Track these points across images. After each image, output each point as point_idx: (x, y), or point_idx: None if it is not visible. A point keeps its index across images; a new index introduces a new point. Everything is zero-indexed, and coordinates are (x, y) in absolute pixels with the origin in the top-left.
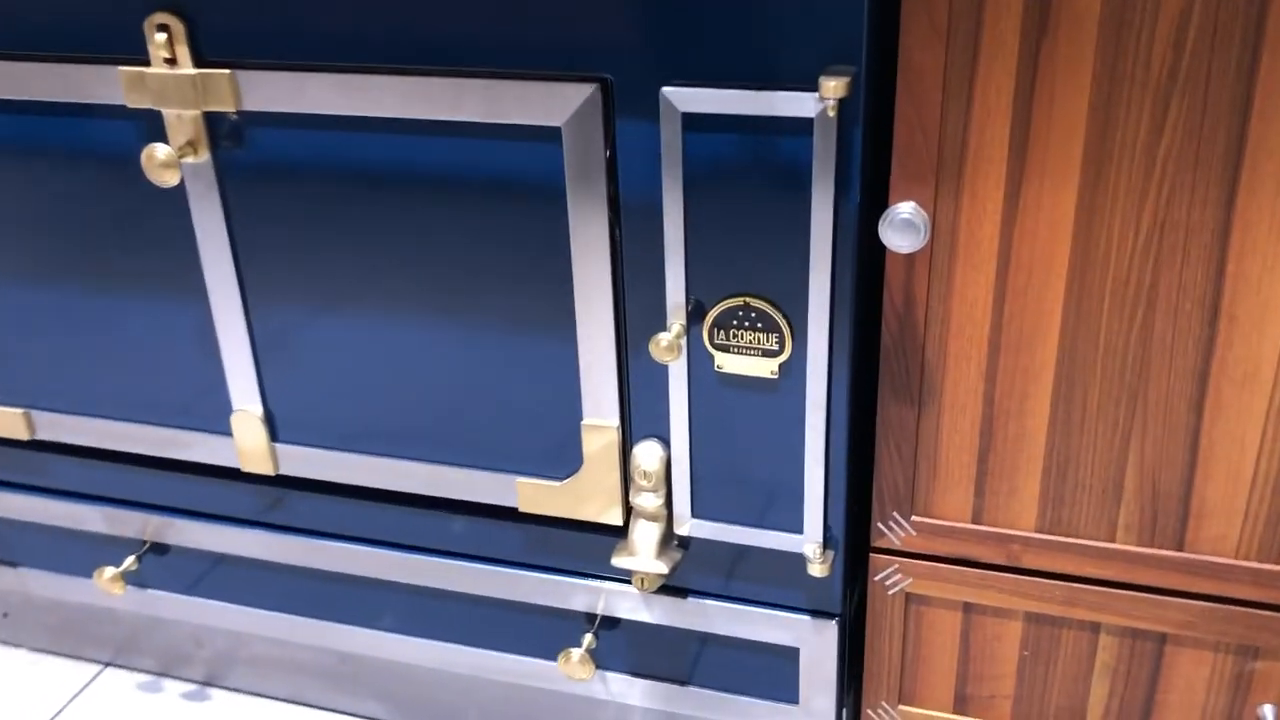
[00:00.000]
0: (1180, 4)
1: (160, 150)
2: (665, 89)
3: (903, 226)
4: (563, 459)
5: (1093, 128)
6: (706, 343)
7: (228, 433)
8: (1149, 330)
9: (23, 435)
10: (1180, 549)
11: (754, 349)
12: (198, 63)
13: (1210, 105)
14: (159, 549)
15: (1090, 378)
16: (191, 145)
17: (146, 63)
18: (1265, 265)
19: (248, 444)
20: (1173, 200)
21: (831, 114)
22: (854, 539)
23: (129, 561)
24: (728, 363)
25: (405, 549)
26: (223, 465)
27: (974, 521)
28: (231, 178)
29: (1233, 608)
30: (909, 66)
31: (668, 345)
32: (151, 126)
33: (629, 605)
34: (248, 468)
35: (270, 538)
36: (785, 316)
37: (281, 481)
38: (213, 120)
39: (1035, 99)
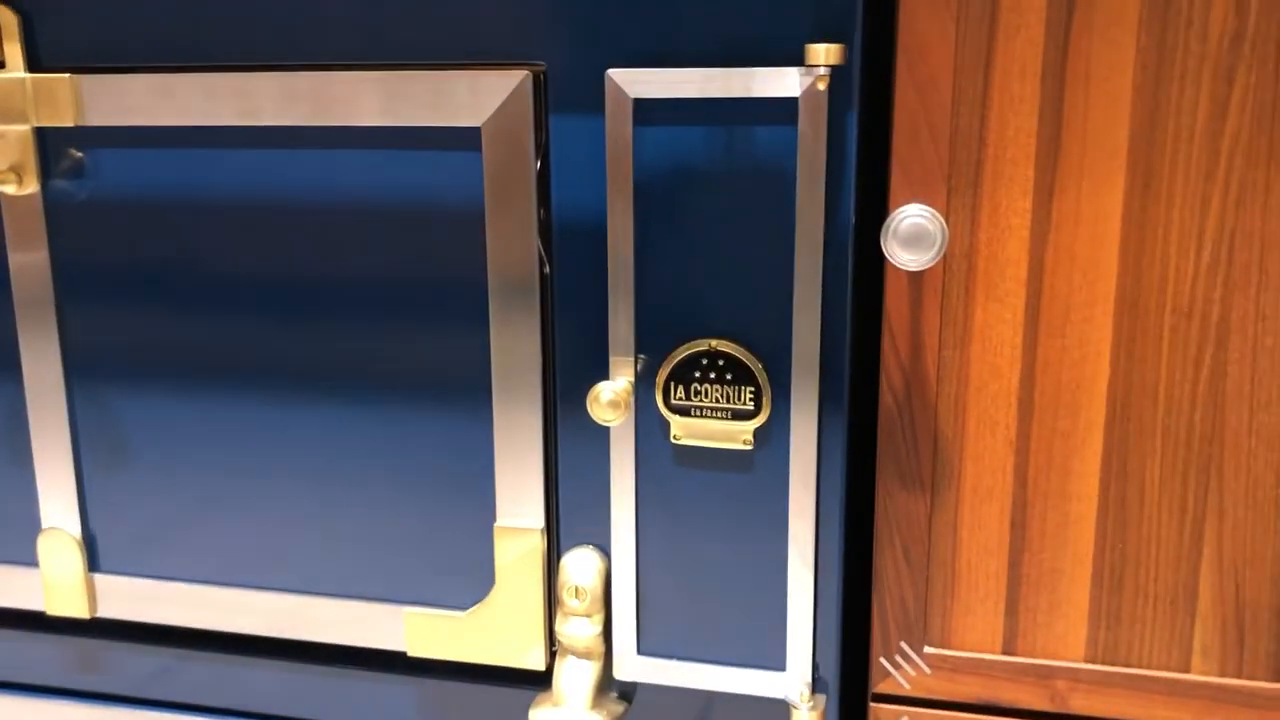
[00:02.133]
0: None
1: None
2: (611, 71)
3: (914, 234)
4: (468, 580)
5: (1139, 111)
6: (660, 404)
7: (32, 562)
8: (1221, 377)
9: None
10: (1278, 678)
11: (722, 410)
12: (32, 66)
13: None
14: None
15: (1149, 444)
16: (15, 172)
17: None
18: None
19: (58, 575)
20: (1243, 204)
21: (822, 88)
22: (851, 683)
23: None
24: (688, 430)
25: (258, 719)
26: (22, 609)
27: (1005, 651)
28: (61, 214)
29: None
30: (912, 42)
31: (612, 400)
32: None
33: None
34: (55, 610)
35: (81, 711)
36: (762, 364)
37: (99, 629)
38: (45, 139)
39: (1067, 80)
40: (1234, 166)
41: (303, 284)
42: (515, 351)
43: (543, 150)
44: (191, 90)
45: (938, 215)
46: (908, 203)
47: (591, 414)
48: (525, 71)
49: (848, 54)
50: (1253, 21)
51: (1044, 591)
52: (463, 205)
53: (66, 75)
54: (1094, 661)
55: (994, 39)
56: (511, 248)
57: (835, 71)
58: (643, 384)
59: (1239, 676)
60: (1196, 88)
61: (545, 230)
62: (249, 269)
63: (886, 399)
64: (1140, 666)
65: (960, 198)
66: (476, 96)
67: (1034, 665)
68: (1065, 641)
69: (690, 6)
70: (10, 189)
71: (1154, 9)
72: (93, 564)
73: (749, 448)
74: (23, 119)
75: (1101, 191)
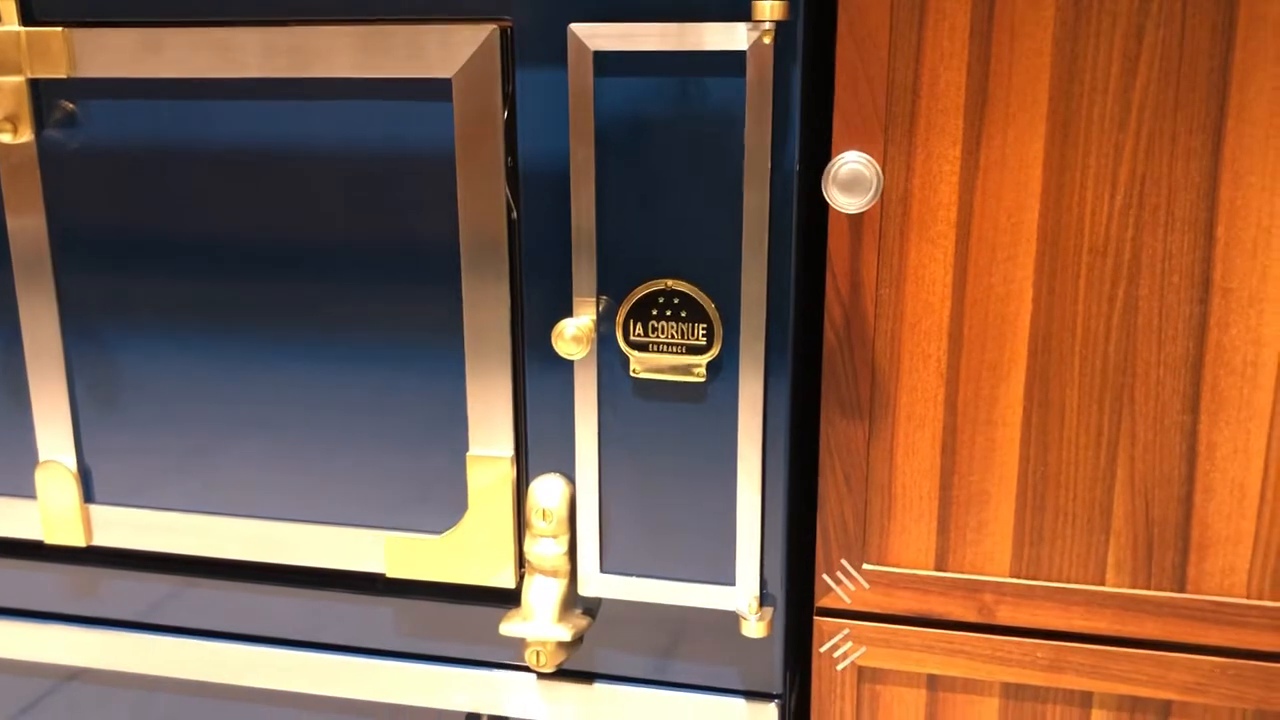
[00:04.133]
0: None
1: None
2: (574, 25)
3: (851, 179)
4: (442, 506)
5: (1058, 66)
6: (620, 340)
7: (29, 494)
8: (1133, 310)
9: None
10: (1182, 589)
11: (677, 345)
12: (26, 20)
13: (1189, 34)
14: None
15: (1068, 373)
16: (10, 121)
17: None
18: (1260, 226)
19: (55, 506)
20: (1152, 152)
21: (767, 41)
22: (796, 599)
23: None
24: (646, 364)
25: (247, 640)
26: (21, 539)
27: (938, 567)
28: (55, 163)
29: (1248, 662)
30: (851, 0)
31: (575, 334)
32: None
33: (523, 699)
34: (53, 539)
35: (78, 635)
36: (714, 301)
37: (94, 556)
38: (39, 91)
39: (994, 34)
40: (1144, 118)
41: (284, 230)
42: (485, 292)
43: (510, 101)
44: (178, 44)
45: (873, 162)
46: (848, 150)
47: (556, 349)
48: (493, 26)
49: (791, 10)
50: None
51: (972, 511)
52: (435, 153)
53: (59, 29)
54: (1018, 576)
55: None
56: (481, 194)
57: (780, 26)
58: (604, 322)
59: (1148, 588)
60: (1110, 44)
61: (513, 177)
62: (233, 215)
63: (829, 334)
64: (1060, 580)
65: (896, 145)
66: (447, 50)
67: (963, 580)
68: (992, 558)
69: None
70: (6, 138)
71: None
72: (88, 495)
73: (702, 380)
74: (17, 71)
75: (1024, 140)
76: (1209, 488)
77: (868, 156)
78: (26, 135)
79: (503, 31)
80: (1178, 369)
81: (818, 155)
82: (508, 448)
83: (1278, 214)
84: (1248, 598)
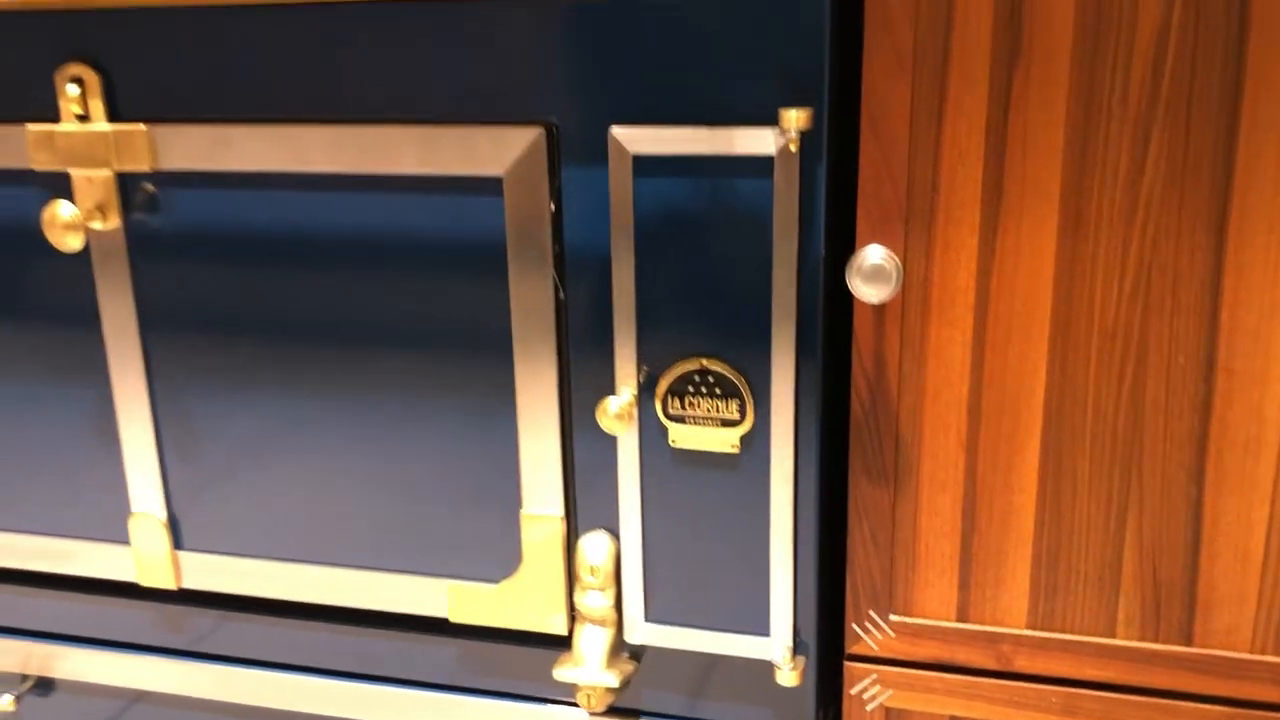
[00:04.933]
0: (1156, 24)
1: (65, 209)
2: (614, 129)
3: (873, 273)
4: (499, 558)
5: (1070, 164)
6: (660, 413)
7: (124, 540)
8: (1141, 389)
9: None
10: (1188, 643)
11: (712, 418)
12: (112, 118)
13: (1193, 136)
14: (44, 685)
15: (1080, 445)
16: (100, 210)
17: (56, 119)
18: (1262, 314)
19: (147, 552)
20: (1159, 243)
21: (793, 148)
22: (827, 645)
23: (6, 701)
24: (684, 436)
25: (324, 674)
26: (118, 580)
27: (959, 619)
28: (142, 247)
29: (1252, 712)
30: (873, 99)
31: (618, 412)
32: (57, 191)
33: None
34: (146, 581)
35: (171, 666)
36: (746, 380)
37: (184, 598)
38: (125, 182)
39: (1009, 133)
40: (1150, 213)
41: (351, 307)
42: (535, 366)
43: (556, 194)
44: (251, 139)
45: (894, 256)
46: (871, 239)
47: (600, 424)
48: (540, 129)
49: (815, 118)
50: (1166, 83)
51: (991, 569)
52: (489, 241)
53: (142, 126)
54: (1034, 628)
55: (944, 96)
56: (530, 278)
57: (805, 132)
58: (645, 393)
59: (1156, 641)
60: (1119, 145)
61: (560, 262)
62: (305, 292)
63: (855, 406)
64: (1073, 632)
65: (916, 235)
66: (499, 149)
67: (983, 631)
68: (1009, 611)
69: (680, 74)
70: (97, 224)
71: (1081, 78)
72: (177, 542)
73: (736, 451)
74: (106, 165)
75: (1038, 231)
76: (1214, 553)
77: (888, 251)
78: (115, 222)
79: (549, 132)
80: (1184, 444)
81: (844, 238)
82: (558, 507)
83: (1279, 302)
84: (1251, 653)
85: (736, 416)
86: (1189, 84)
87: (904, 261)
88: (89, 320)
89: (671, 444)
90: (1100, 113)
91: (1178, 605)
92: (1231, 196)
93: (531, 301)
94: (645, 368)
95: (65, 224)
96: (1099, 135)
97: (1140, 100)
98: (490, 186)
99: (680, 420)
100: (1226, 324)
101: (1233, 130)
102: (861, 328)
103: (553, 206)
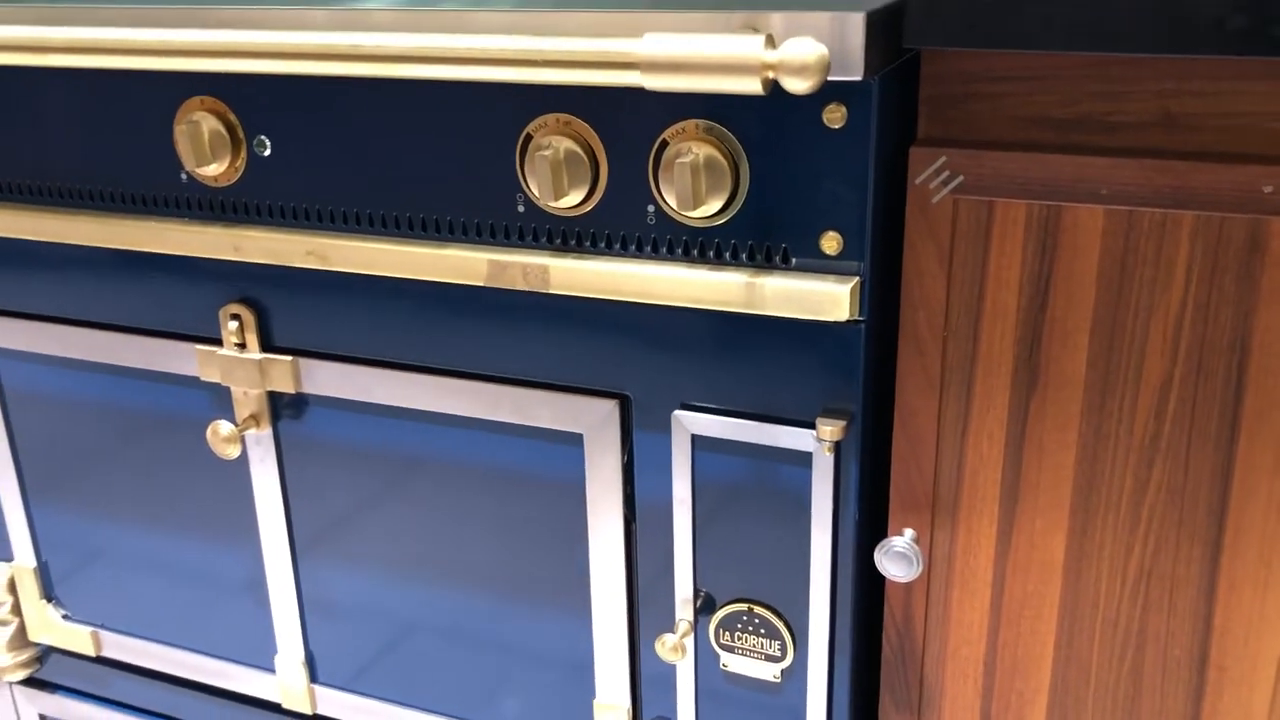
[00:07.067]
0: (1161, 377)
1: (224, 427)
2: (677, 412)
3: (898, 558)
4: None
5: (1080, 480)
6: (713, 641)
7: (272, 670)
8: (1139, 673)
9: (90, 651)
10: None
11: (757, 653)
12: (264, 348)
13: (1191, 472)
14: None
15: (1083, 708)
16: (254, 419)
17: (219, 344)
18: (1251, 623)
19: (290, 683)
20: (1159, 553)
21: (828, 454)
22: None
23: None
24: (733, 662)
25: None
26: (267, 700)
27: None
28: (289, 450)
29: None
30: (905, 411)
31: (673, 646)
32: (220, 397)
33: None
34: (289, 705)
35: None
36: (788, 625)
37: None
38: (275, 398)
39: (1025, 449)
40: (1152, 528)
41: (452, 525)
42: (609, 590)
43: (628, 451)
44: (375, 378)
45: (916, 546)
46: (902, 524)
47: (659, 655)
48: (615, 401)
49: (850, 425)
50: (1168, 427)
51: None
52: (571, 481)
53: (290, 358)
54: None
55: (969, 414)
56: (605, 518)
57: (840, 440)
58: (703, 615)
59: None
60: (1124, 467)
61: (629, 504)
62: (411, 505)
63: (886, 650)
64: None
65: (942, 523)
66: (581, 413)
67: None
68: None
69: (737, 374)
70: (251, 432)
71: (1092, 407)
72: (313, 677)
73: (778, 681)
74: (259, 385)
75: (1050, 531)
76: None
77: (911, 542)
78: (266, 429)
79: (623, 403)
80: None
81: (879, 508)
82: (626, 700)
83: (1268, 613)
84: None
85: (778, 654)
86: (1188, 427)
87: (930, 539)
88: (244, 495)
89: (723, 667)
90: (1108, 439)
91: None
92: (1226, 522)
93: (606, 531)
94: (704, 591)
95: (224, 438)
96: (1106, 456)
97: (1144, 434)
98: (574, 439)
99: (730, 650)
100: (1219, 627)
101: (1228, 469)
102: (893, 586)
103: (625, 459)
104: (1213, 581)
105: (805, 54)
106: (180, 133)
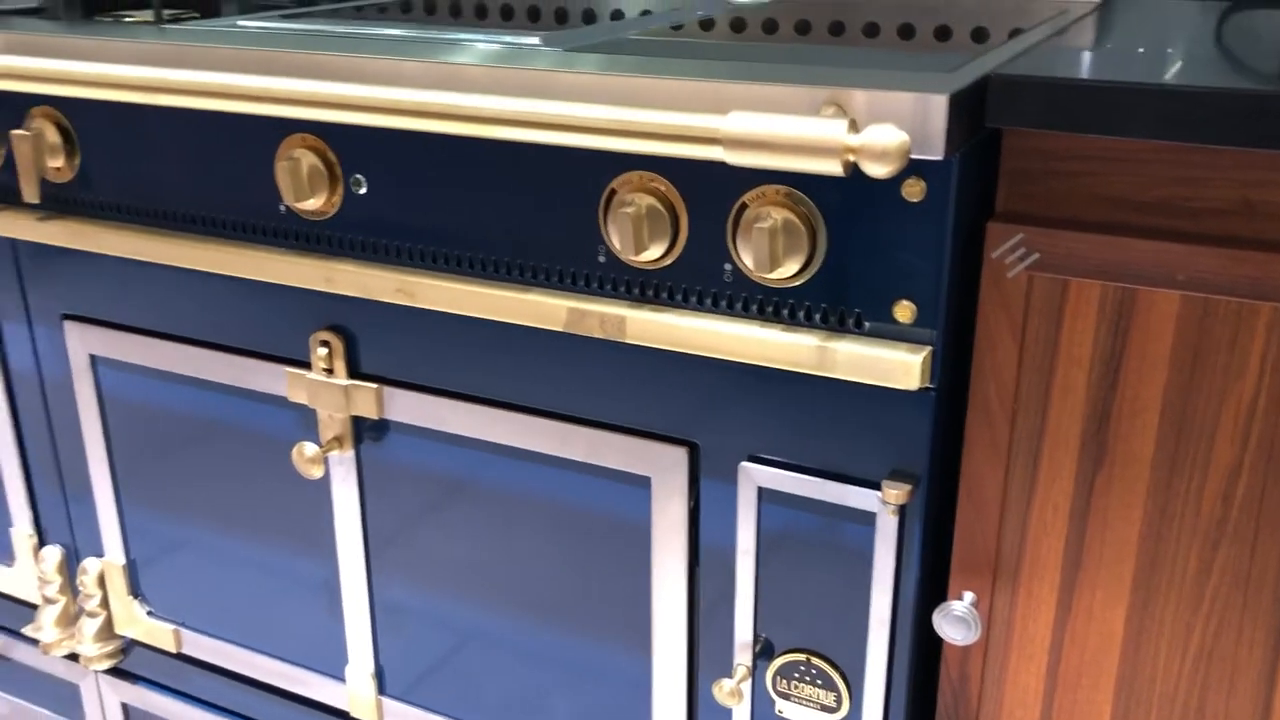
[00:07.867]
0: (1230, 463)
1: (309, 448)
2: (744, 464)
3: (956, 622)
4: None
5: (1143, 556)
6: (770, 687)
7: (342, 679)
8: None
9: (171, 648)
10: None
11: (812, 703)
12: (351, 374)
13: (1258, 558)
14: None
15: None
16: (338, 440)
17: (308, 367)
18: None
19: (359, 693)
20: (1220, 634)
21: (892, 516)
22: None
23: None
24: (788, 709)
25: None
26: (336, 707)
27: None
28: (369, 472)
29: None
30: (971, 478)
31: (730, 691)
32: (306, 417)
33: None
34: (357, 714)
35: None
36: (844, 678)
37: None
38: (358, 423)
39: (1090, 522)
40: (1215, 607)
41: (525, 550)
42: (670, 630)
43: (695, 496)
44: (456, 411)
45: (974, 609)
46: (963, 586)
47: (717, 700)
48: (684, 448)
49: (915, 490)
50: (1235, 511)
51: None
52: (637, 525)
53: (374, 386)
54: None
55: (1035, 484)
56: (669, 560)
57: (904, 504)
58: (761, 660)
59: None
60: (1189, 548)
61: (693, 548)
62: (480, 531)
63: (941, 706)
64: None
65: (1002, 588)
66: (651, 457)
67: None
68: None
69: (805, 428)
70: (335, 453)
71: (1159, 485)
72: (381, 688)
73: None
74: (343, 410)
75: (1111, 603)
76: None
77: (970, 606)
78: (349, 451)
79: (690, 450)
80: None
81: (941, 568)
82: None
83: None
84: None
85: (833, 705)
86: (1256, 514)
87: (990, 601)
88: (324, 511)
89: (778, 714)
90: (1173, 519)
91: None
92: None
93: (669, 572)
94: (764, 637)
95: (309, 459)
96: (1171, 535)
97: (1211, 517)
98: (642, 481)
99: (786, 697)
100: (1278, 713)
101: None
102: (951, 648)
103: (691, 504)
104: (1275, 666)
105: (887, 141)
106: (281, 168)
